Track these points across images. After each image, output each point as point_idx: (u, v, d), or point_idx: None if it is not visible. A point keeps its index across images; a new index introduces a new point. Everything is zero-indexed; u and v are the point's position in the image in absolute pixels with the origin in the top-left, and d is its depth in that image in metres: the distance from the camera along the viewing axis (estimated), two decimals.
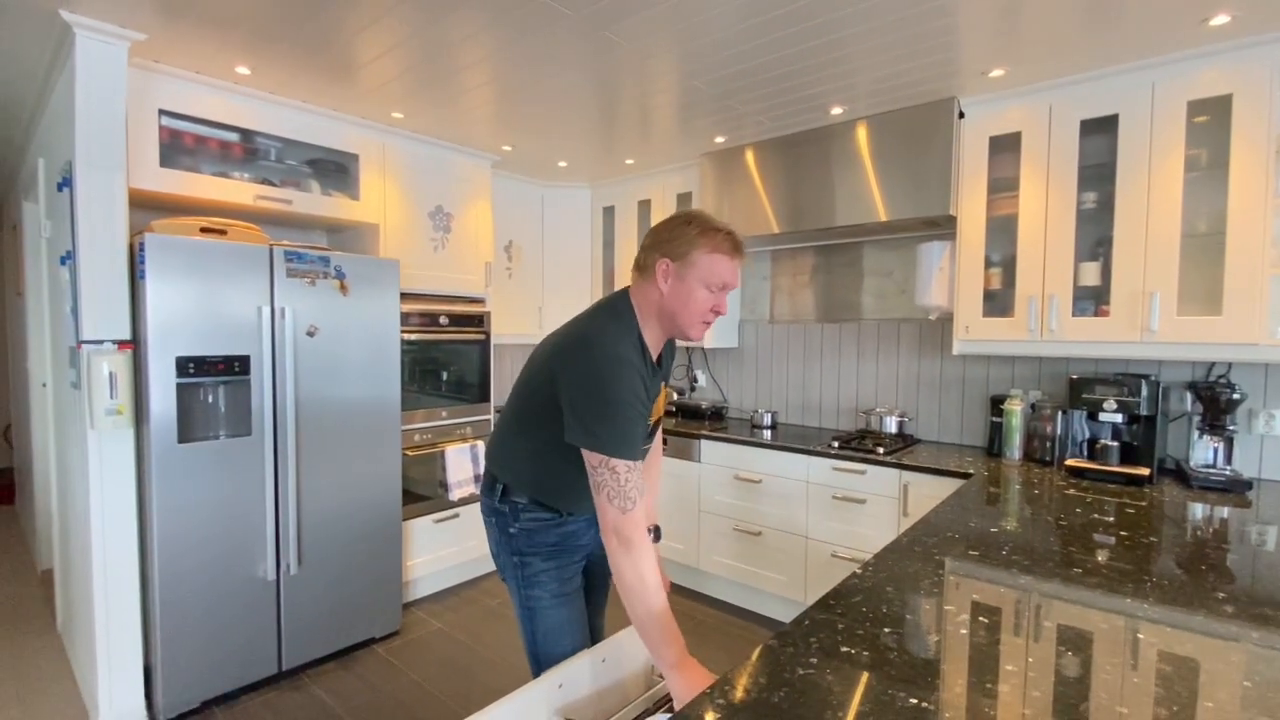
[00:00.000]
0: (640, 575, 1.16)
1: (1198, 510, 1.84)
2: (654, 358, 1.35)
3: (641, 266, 1.31)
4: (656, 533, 1.56)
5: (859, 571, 1.30)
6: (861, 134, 2.73)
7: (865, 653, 0.97)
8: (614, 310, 1.31)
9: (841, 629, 1.05)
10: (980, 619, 1.10)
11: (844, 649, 0.98)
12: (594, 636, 1.51)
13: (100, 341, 2.04)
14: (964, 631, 1.05)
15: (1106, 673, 0.92)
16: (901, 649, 0.99)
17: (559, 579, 1.37)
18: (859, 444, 2.73)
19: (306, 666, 2.51)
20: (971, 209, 2.55)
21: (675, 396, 3.81)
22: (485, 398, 3.40)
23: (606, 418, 1.18)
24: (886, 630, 1.05)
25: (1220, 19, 1.86)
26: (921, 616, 1.12)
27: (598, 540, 1.42)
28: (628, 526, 1.17)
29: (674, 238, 1.28)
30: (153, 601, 2.13)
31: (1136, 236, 2.20)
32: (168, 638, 2.14)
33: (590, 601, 1.52)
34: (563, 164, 3.57)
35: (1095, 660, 0.96)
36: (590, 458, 1.19)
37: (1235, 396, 2.11)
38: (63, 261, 2.23)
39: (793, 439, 2.96)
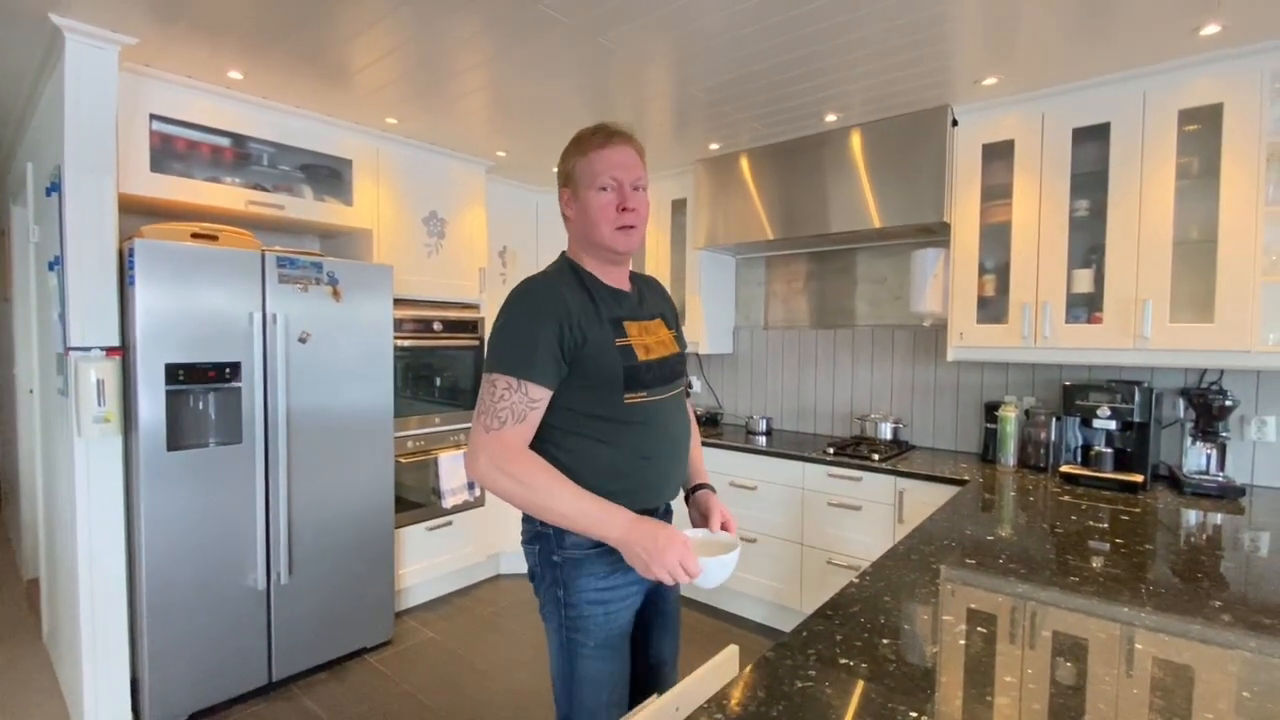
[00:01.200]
0: (521, 481, 1.07)
1: (1192, 517, 1.85)
2: (620, 288, 1.26)
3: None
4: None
5: (856, 581, 1.30)
6: (855, 141, 2.74)
7: (864, 664, 0.96)
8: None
9: (840, 640, 1.04)
10: (978, 629, 1.09)
11: (843, 660, 0.97)
12: (662, 679, 1.34)
13: (88, 348, 2.01)
14: (962, 642, 1.04)
15: (1105, 683, 0.92)
16: (900, 660, 0.98)
17: (606, 627, 1.18)
18: (854, 450, 2.73)
19: (297, 677, 2.47)
20: (965, 216, 2.55)
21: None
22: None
23: (499, 335, 1.14)
24: (885, 641, 1.04)
25: (1211, 29, 1.88)
26: (920, 627, 1.11)
27: None
28: (493, 444, 1.09)
29: (560, 168, 1.25)
30: (140, 611, 2.10)
31: (1129, 244, 2.21)
32: (155, 648, 2.11)
33: (657, 640, 1.34)
34: (557, 170, 3.56)
35: (1094, 671, 0.96)
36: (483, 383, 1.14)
37: (1227, 403, 2.12)
38: (51, 267, 2.20)
39: (788, 445, 2.95)
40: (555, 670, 1.23)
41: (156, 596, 2.10)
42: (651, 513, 1.23)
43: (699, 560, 1.07)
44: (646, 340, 1.22)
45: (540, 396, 1.12)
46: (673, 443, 1.25)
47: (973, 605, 1.20)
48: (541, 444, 1.17)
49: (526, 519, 1.25)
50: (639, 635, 1.30)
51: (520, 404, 1.10)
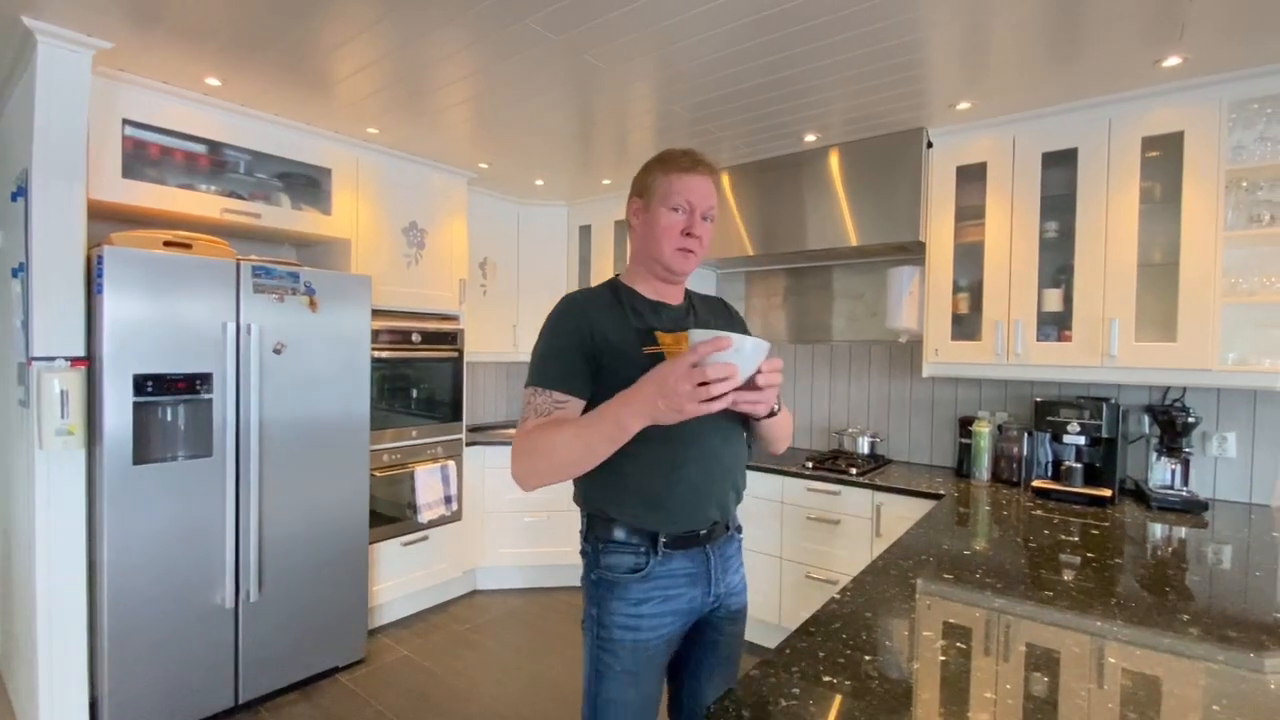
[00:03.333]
0: (529, 454, 1.08)
1: (1159, 531, 1.90)
2: (666, 302, 1.27)
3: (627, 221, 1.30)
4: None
5: (838, 596, 1.30)
6: (834, 161, 2.79)
7: (847, 682, 0.97)
8: None
9: (823, 657, 1.04)
10: (957, 644, 1.11)
11: (826, 678, 0.97)
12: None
13: (52, 358, 1.95)
14: (942, 658, 1.06)
15: (1081, 698, 0.93)
16: (883, 677, 0.98)
17: (635, 653, 1.17)
18: (832, 464, 2.76)
19: (265, 698, 2.40)
20: (940, 235, 2.61)
21: None
22: (457, 416, 3.35)
23: (532, 354, 1.20)
24: (867, 658, 1.04)
25: (1172, 60, 1.96)
26: (901, 643, 1.12)
27: (705, 600, 1.23)
28: (517, 441, 1.12)
29: (640, 177, 1.27)
30: (101, 631, 2.02)
31: (1096, 265, 2.28)
32: (116, 670, 2.03)
33: (706, 680, 1.29)
34: (539, 182, 3.57)
35: (1070, 686, 0.97)
36: None
37: (1190, 420, 2.19)
38: (15, 274, 2.13)
39: (767, 459, 2.97)
40: (585, 690, 1.23)
41: (119, 615, 2.03)
42: (692, 536, 1.20)
43: (727, 343, 0.91)
44: (684, 350, 1.19)
45: (565, 399, 1.14)
46: (709, 459, 1.18)
47: (951, 620, 1.22)
48: None
49: (580, 534, 1.26)
50: (685, 673, 1.29)
51: (545, 404, 1.13)
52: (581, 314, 1.18)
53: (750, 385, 0.97)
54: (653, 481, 1.15)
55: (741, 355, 0.92)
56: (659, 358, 1.14)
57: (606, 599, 1.19)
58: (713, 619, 1.26)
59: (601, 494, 1.19)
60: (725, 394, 0.93)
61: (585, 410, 1.14)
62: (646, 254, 1.24)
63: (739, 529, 1.33)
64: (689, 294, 1.34)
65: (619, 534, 1.18)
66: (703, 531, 1.21)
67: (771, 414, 1.17)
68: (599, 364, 1.15)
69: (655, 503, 1.15)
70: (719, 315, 1.38)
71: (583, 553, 1.26)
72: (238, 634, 2.29)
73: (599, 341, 1.15)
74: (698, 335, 0.94)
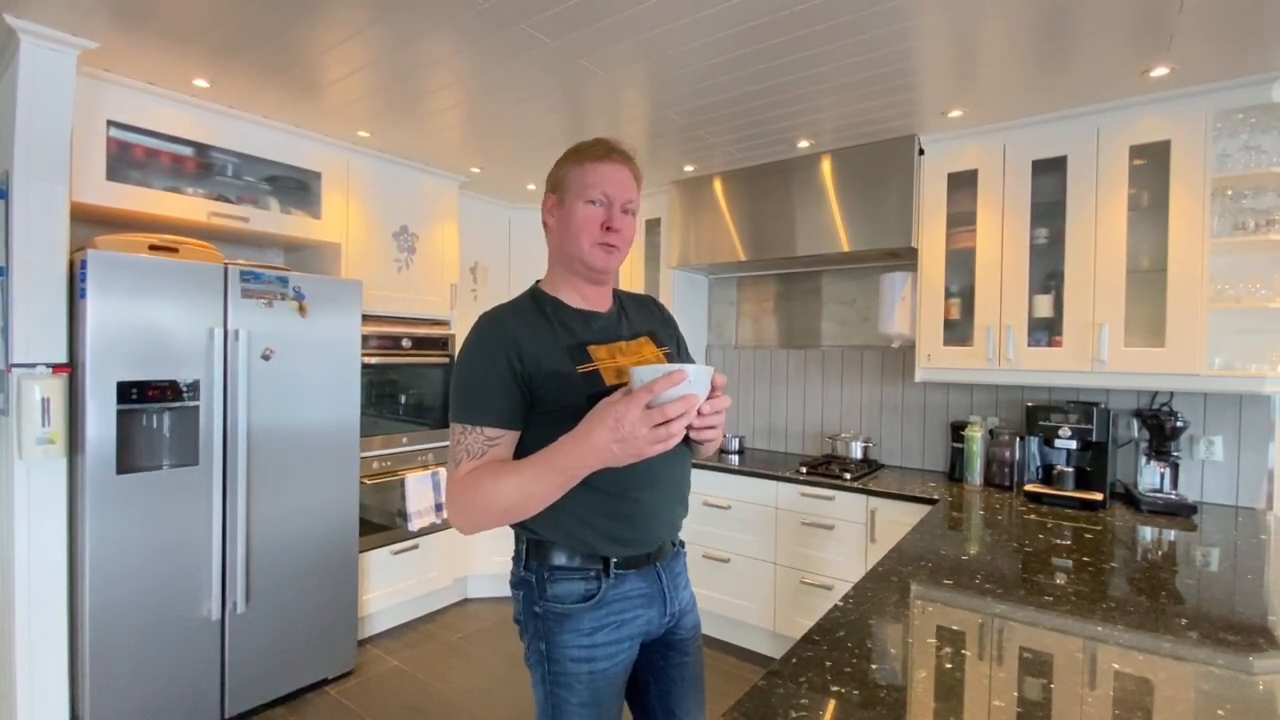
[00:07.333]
0: (469, 503, 1.01)
1: (1150, 534, 1.92)
2: (593, 309, 1.19)
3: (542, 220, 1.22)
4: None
5: (840, 604, 1.30)
6: (826, 167, 2.81)
7: (855, 691, 0.96)
8: None
9: (830, 666, 1.03)
10: (963, 651, 1.11)
11: (834, 688, 0.97)
12: None
13: (33, 365, 1.90)
14: (949, 665, 1.05)
15: (1090, 705, 0.93)
16: (891, 686, 0.98)
17: (593, 684, 1.09)
18: (826, 469, 2.76)
19: (252, 712, 2.34)
20: (931, 241, 2.63)
21: None
22: (448, 423, 3.30)
23: (452, 382, 1.11)
24: (874, 666, 1.04)
25: (1160, 70, 1.99)
26: (907, 651, 1.11)
27: (661, 620, 1.16)
28: (452, 486, 1.04)
29: (553, 173, 1.19)
30: (82, 645, 1.97)
31: (1085, 271, 2.31)
32: (98, 685, 1.97)
33: (677, 696, 1.22)
34: (531, 186, 3.55)
35: (1076, 692, 0.97)
36: None
37: (1178, 424, 2.22)
38: None
39: (760, 464, 2.97)
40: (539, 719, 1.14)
41: (101, 629, 1.97)
42: (645, 558, 1.12)
43: (681, 376, 0.88)
44: (620, 362, 1.13)
45: (498, 435, 1.05)
46: (661, 480, 1.11)
47: (955, 627, 1.22)
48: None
49: (514, 560, 1.17)
50: (653, 690, 1.21)
51: (476, 443, 1.05)
52: (506, 335, 1.07)
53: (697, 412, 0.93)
54: (604, 508, 1.07)
55: (694, 385, 0.90)
56: (595, 376, 1.08)
57: (556, 632, 1.09)
58: (675, 641, 1.20)
59: (544, 521, 1.08)
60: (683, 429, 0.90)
61: (520, 439, 1.08)
62: (565, 253, 1.16)
63: (682, 543, 1.26)
64: (617, 295, 1.26)
65: (566, 559, 1.09)
66: (652, 551, 1.14)
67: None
68: (531, 390, 1.06)
69: (607, 529, 1.08)
70: (650, 316, 1.29)
71: (520, 583, 1.14)
72: (224, 646, 2.24)
73: (529, 365, 1.06)
74: (643, 372, 0.90)
